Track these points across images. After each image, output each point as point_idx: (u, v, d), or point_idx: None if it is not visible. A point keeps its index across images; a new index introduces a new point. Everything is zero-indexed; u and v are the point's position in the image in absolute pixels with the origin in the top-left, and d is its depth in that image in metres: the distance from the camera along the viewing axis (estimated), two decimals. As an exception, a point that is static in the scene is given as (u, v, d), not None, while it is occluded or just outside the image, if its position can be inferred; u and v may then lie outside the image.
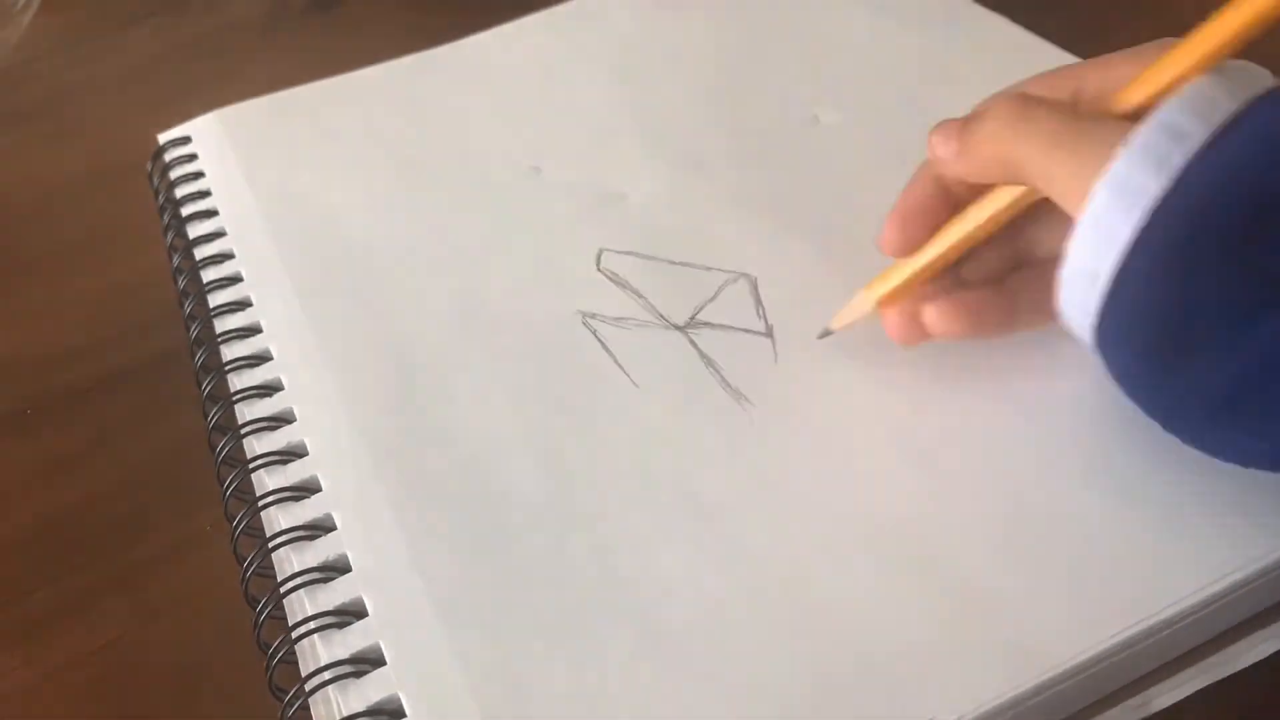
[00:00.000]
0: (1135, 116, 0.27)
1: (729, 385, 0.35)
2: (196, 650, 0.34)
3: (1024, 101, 0.30)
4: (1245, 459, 0.28)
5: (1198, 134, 0.26)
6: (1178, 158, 0.26)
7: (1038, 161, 0.29)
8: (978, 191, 0.32)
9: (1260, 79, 0.27)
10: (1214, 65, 0.27)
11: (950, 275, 0.33)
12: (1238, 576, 0.28)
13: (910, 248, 0.33)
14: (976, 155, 0.31)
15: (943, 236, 0.32)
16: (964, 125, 0.31)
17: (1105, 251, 0.27)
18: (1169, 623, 0.28)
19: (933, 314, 0.32)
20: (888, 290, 0.33)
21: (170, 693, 0.33)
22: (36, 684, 0.33)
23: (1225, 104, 0.26)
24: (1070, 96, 0.31)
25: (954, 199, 0.33)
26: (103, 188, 0.50)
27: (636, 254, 0.39)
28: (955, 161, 0.31)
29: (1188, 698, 0.29)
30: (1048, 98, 0.30)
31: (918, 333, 0.33)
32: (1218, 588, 0.28)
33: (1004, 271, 0.33)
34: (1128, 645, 0.27)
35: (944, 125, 0.32)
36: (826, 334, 0.35)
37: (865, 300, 0.34)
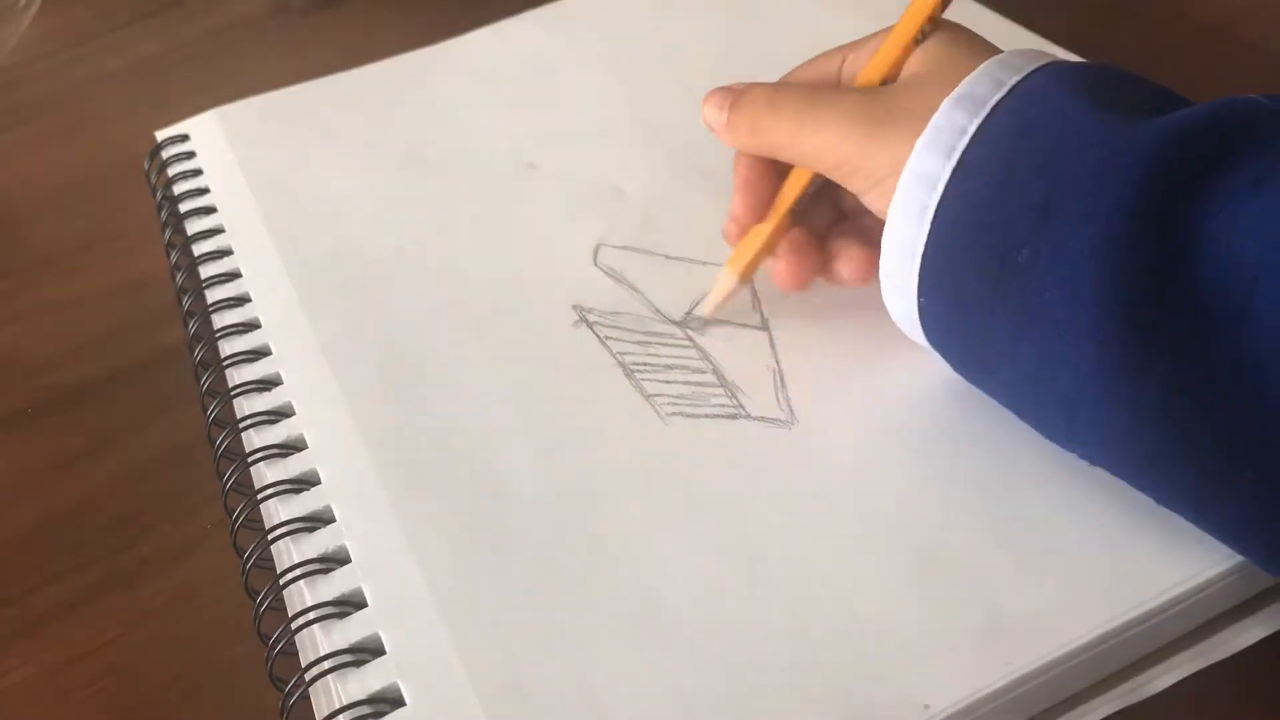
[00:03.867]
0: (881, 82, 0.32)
1: (725, 378, 0.35)
2: (197, 648, 0.33)
3: (773, 91, 0.34)
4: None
5: (970, 125, 0.28)
6: (960, 144, 0.28)
7: (788, 143, 0.33)
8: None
9: (1024, 62, 0.29)
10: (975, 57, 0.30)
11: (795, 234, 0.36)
12: (1228, 565, 0.28)
13: (753, 220, 0.36)
14: (738, 134, 0.35)
15: (776, 205, 0.35)
16: (732, 103, 0.35)
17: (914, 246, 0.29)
18: (1162, 609, 0.28)
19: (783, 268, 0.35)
20: (746, 261, 0.36)
21: (170, 692, 0.32)
22: (36, 683, 0.33)
23: (993, 89, 0.29)
24: (835, 74, 0.35)
25: (777, 167, 0.36)
26: (104, 187, 0.50)
27: (633, 249, 0.40)
28: (723, 133, 0.35)
29: (1182, 681, 0.29)
30: (803, 80, 0.36)
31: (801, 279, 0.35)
32: (1209, 575, 0.28)
33: (829, 226, 0.36)
34: (1122, 631, 0.28)
35: (716, 94, 0.35)
36: (702, 321, 0.37)
37: (729, 275, 0.36)
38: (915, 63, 0.32)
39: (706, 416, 0.34)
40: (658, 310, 0.37)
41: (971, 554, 0.29)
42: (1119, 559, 0.29)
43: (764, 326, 0.36)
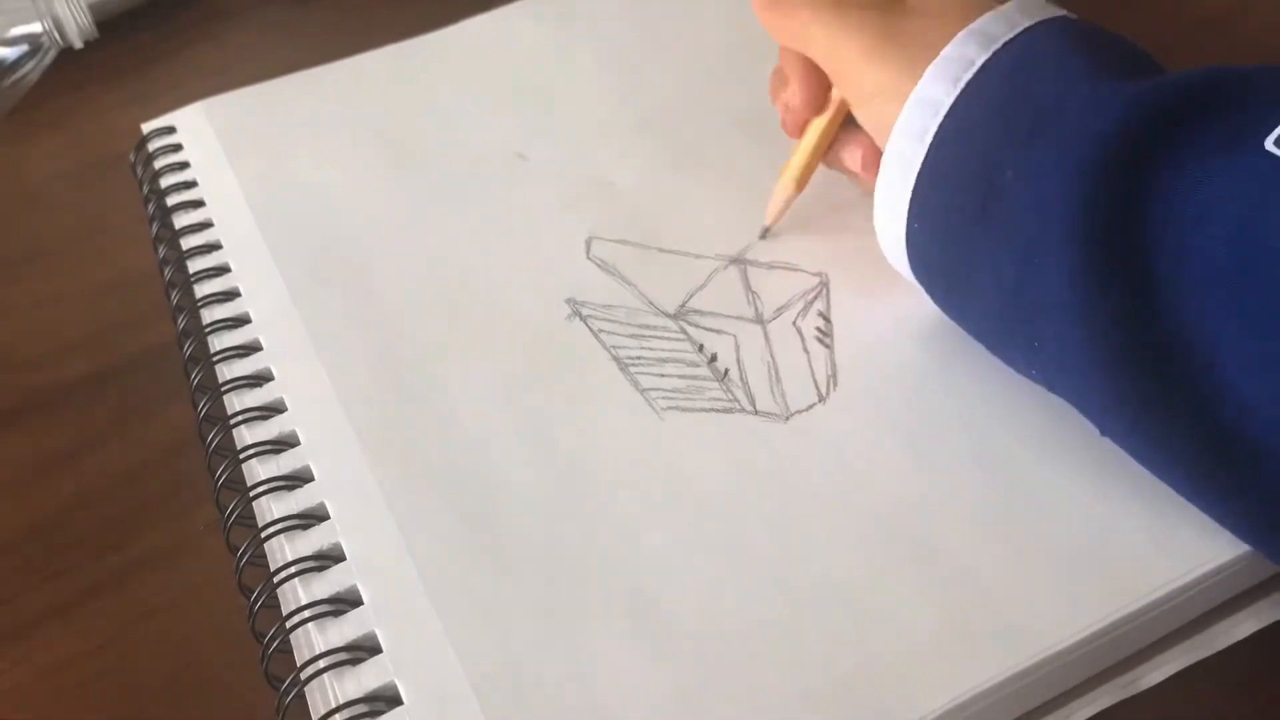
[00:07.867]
0: None
1: (719, 372, 0.35)
2: (190, 650, 0.33)
3: None
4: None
5: (979, 59, 0.30)
6: (965, 77, 0.30)
7: (801, 33, 0.34)
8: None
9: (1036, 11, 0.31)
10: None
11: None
12: (1220, 561, 0.29)
13: (812, 111, 0.37)
14: (778, 19, 0.35)
15: (826, 114, 0.36)
16: None
17: (914, 156, 0.30)
18: (1156, 605, 0.28)
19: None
20: (799, 170, 0.37)
21: (164, 693, 0.32)
22: (29, 684, 0.33)
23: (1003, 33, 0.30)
24: None
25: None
26: (93, 182, 0.49)
27: (626, 242, 0.40)
28: (762, 12, 0.36)
29: (1175, 675, 0.29)
30: None
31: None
32: (1201, 571, 0.28)
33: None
34: (1117, 627, 0.28)
35: None
36: (766, 232, 0.39)
37: (785, 185, 0.38)
38: None
39: (701, 411, 0.34)
40: (651, 303, 0.37)
41: (966, 551, 0.29)
42: (1113, 554, 0.29)
43: (758, 320, 0.36)
